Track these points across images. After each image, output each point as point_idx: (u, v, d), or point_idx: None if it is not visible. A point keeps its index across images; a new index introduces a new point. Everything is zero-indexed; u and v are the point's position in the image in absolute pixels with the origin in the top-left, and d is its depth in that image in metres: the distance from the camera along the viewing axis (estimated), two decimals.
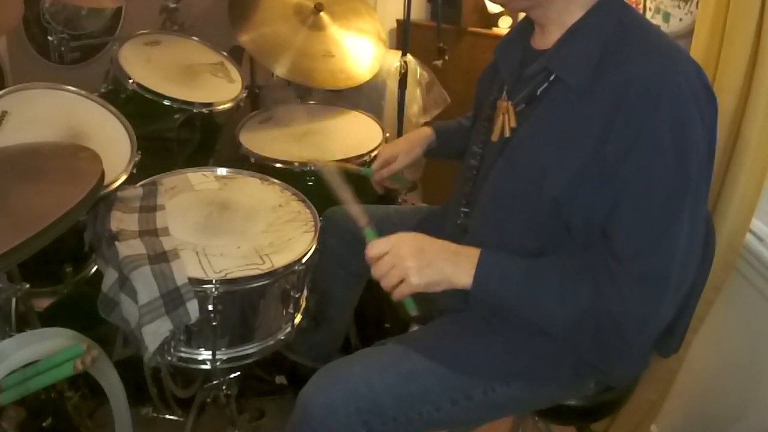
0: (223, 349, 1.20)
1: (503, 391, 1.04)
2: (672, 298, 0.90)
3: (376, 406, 0.98)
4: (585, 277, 0.91)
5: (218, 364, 1.20)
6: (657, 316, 0.90)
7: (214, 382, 1.36)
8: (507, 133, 1.02)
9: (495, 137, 1.05)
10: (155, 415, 1.48)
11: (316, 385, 1.02)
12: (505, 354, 1.03)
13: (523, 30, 1.08)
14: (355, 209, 1.08)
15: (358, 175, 1.45)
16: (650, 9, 1.59)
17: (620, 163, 0.86)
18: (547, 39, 0.99)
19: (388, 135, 1.82)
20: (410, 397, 1.00)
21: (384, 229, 1.35)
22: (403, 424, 1.00)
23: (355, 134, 1.83)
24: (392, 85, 2.11)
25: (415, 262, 0.94)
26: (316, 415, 0.98)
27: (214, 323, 1.14)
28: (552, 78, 0.95)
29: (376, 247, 0.98)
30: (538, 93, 0.98)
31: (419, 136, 1.40)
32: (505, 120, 1.03)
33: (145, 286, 1.09)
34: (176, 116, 1.66)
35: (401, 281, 0.95)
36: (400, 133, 1.98)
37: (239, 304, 1.19)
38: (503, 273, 0.95)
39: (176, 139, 1.69)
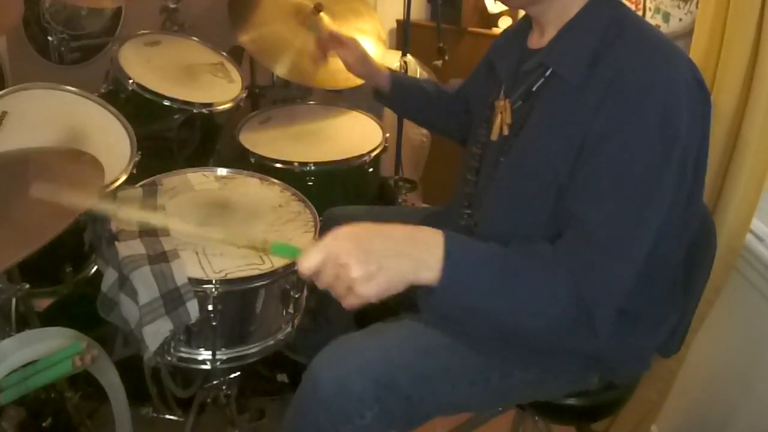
0: (223, 349, 1.20)
1: (519, 376, 1.02)
2: (631, 279, 0.88)
3: (392, 381, 0.95)
4: (554, 262, 0.86)
5: (218, 364, 1.20)
6: (617, 296, 0.88)
7: (214, 382, 1.36)
8: (505, 131, 1.03)
9: (494, 136, 1.05)
10: (155, 415, 1.47)
11: (328, 356, 0.98)
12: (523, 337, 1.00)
13: (520, 31, 1.08)
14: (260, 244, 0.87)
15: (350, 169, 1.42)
16: (650, 9, 1.59)
17: (601, 143, 0.85)
18: (544, 38, 1.00)
19: (388, 135, 1.82)
20: (427, 375, 0.98)
21: None
22: (415, 404, 0.97)
23: (355, 134, 1.83)
24: None
25: (361, 270, 0.75)
26: (327, 388, 0.94)
27: (214, 323, 1.14)
28: (548, 74, 0.96)
29: (307, 260, 0.77)
30: (534, 89, 0.98)
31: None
32: (504, 118, 1.03)
33: (145, 286, 1.09)
34: (176, 116, 1.66)
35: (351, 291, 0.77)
36: (400, 133, 1.98)
37: (239, 304, 1.19)
38: (474, 270, 0.82)
39: (176, 139, 1.70)
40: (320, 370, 0.97)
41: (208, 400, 1.41)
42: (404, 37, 1.91)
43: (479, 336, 1.01)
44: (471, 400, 1.04)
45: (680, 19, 1.52)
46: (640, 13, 1.61)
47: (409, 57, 1.91)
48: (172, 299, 1.09)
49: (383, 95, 1.44)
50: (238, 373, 1.37)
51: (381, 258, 0.76)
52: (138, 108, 1.60)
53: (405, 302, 0.92)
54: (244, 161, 1.65)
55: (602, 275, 0.86)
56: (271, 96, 2.18)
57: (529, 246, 0.89)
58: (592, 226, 0.86)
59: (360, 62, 1.41)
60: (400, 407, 0.97)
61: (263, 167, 1.60)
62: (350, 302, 0.78)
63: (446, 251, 0.79)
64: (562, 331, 0.89)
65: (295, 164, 1.61)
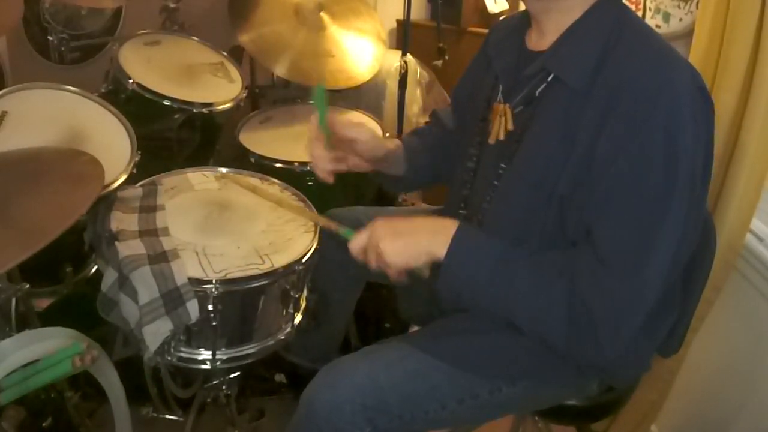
0: (223, 349, 1.20)
1: (509, 391, 1.03)
2: (649, 300, 0.89)
3: (382, 404, 0.98)
4: (562, 272, 0.90)
5: (218, 364, 1.20)
6: (632, 316, 0.89)
7: (214, 382, 1.36)
8: (501, 137, 1.02)
9: (492, 140, 1.04)
10: (155, 415, 1.47)
11: (321, 381, 1.01)
12: (511, 354, 1.03)
13: (518, 28, 1.07)
14: (324, 221, 1.10)
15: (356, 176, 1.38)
16: (650, 9, 1.59)
17: (610, 162, 0.86)
18: (544, 40, 0.99)
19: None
20: (416, 395, 1.00)
21: None
22: (407, 423, 1.00)
23: None
24: (392, 85, 2.11)
25: (389, 242, 0.95)
26: (320, 412, 0.97)
27: (214, 323, 1.14)
28: (550, 78, 0.95)
29: (355, 241, 1.01)
30: (537, 94, 0.97)
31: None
32: (502, 123, 1.02)
33: (145, 286, 1.09)
34: (176, 116, 1.65)
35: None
36: (400, 133, 1.98)
37: (239, 304, 1.19)
38: (477, 248, 0.96)
39: (176, 139, 1.69)
40: (314, 394, 1.00)
41: (208, 400, 1.41)
42: (404, 37, 1.91)
43: (466, 353, 1.03)
44: (462, 416, 1.05)
45: (680, 19, 1.52)
46: (640, 13, 1.61)
47: (409, 57, 1.91)
48: (172, 299, 1.09)
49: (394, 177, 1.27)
50: (238, 373, 1.37)
51: (405, 233, 0.97)
52: (138, 108, 1.60)
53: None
54: (244, 161, 1.65)
55: (611, 294, 0.87)
56: (271, 96, 2.18)
57: (540, 253, 0.94)
58: (604, 249, 0.87)
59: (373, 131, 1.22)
60: (393, 426, 0.99)
61: (263, 167, 1.60)
62: (390, 273, 0.96)
63: (455, 233, 0.95)
64: (564, 338, 0.92)
65: (295, 164, 1.61)
